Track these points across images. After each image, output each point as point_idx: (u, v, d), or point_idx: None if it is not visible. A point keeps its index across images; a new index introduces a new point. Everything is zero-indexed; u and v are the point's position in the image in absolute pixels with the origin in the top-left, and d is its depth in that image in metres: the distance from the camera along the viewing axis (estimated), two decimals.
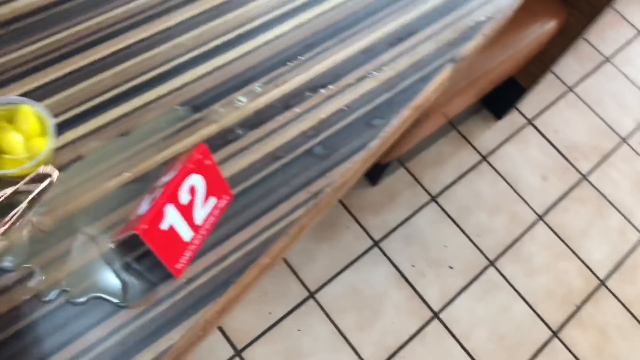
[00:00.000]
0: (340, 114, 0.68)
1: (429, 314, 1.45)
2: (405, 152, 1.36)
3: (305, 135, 0.65)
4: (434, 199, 1.59)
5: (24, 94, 0.61)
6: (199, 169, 0.54)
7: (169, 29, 0.69)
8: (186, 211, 0.54)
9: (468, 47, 0.75)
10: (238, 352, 1.30)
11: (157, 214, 0.51)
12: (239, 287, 0.57)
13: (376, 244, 1.50)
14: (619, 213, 1.68)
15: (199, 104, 0.65)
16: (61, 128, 0.60)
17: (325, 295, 1.42)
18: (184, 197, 0.53)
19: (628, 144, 1.81)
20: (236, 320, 1.32)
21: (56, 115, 0.60)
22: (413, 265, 1.50)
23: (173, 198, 0.52)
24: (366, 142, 0.66)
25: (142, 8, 0.70)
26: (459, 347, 1.43)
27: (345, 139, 0.66)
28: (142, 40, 0.67)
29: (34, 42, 0.65)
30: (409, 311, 1.45)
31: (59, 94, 0.62)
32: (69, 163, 0.59)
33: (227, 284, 0.56)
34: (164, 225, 0.52)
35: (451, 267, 1.52)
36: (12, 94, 0.61)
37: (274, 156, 0.64)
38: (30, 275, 0.53)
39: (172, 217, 0.52)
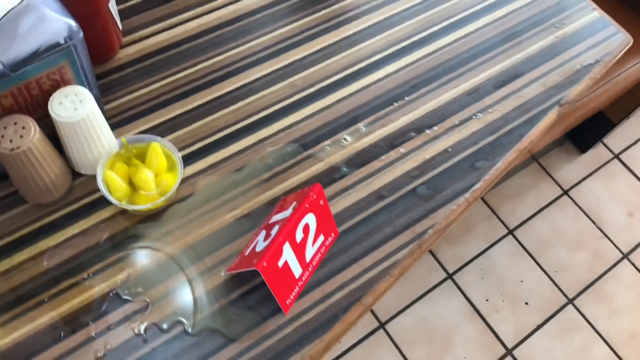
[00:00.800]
0: (444, 154, 0.68)
1: (502, 351, 1.41)
2: None
3: (409, 176, 0.66)
4: (511, 232, 1.55)
5: (149, 130, 0.65)
6: (313, 208, 0.56)
7: (282, 68, 0.72)
8: (299, 249, 0.56)
9: (574, 91, 0.73)
10: None
11: (275, 252, 0.52)
12: (343, 325, 0.58)
13: (450, 276, 1.48)
14: None
15: (308, 142, 0.67)
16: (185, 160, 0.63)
17: (395, 326, 1.41)
18: (298, 235, 0.55)
19: None
20: None
21: (180, 149, 0.64)
22: (487, 300, 1.47)
23: (290, 236, 0.54)
24: (471, 184, 0.66)
25: (256, 49, 0.73)
26: None
27: (449, 180, 0.66)
28: (258, 79, 0.70)
29: (155, 82, 0.69)
30: (481, 346, 1.41)
31: (180, 130, 0.66)
32: (186, 197, 0.62)
33: (331, 322, 0.57)
34: (280, 263, 0.53)
35: (527, 303, 1.48)
36: (138, 129, 0.65)
37: (378, 195, 0.65)
38: (147, 305, 0.56)
39: (287, 255, 0.54)
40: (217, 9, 0.75)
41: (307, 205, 0.55)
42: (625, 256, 1.55)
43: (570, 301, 1.48)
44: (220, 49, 0.72)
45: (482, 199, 1.58)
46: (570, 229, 1.58)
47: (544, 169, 1.65)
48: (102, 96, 0.66)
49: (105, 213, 0.60)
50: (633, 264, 1.54)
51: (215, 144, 0.65)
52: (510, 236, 1.55)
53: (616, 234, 1.58)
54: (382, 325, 1.41)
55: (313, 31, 0.75)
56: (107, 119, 0.64)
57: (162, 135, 0.64)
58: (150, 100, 0.67)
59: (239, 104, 0.68)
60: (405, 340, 1.39)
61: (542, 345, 1.42)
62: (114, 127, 0.64)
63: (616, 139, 1.71)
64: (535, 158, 1.66)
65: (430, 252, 1.50)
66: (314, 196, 0.56)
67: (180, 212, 0.61)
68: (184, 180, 0.62)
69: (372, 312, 1.43)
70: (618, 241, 1.57)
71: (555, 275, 1.51)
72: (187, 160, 0.64)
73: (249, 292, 0.58)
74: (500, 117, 0.71)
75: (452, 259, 1.50)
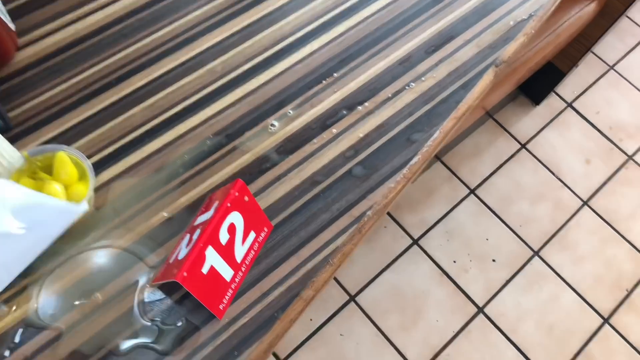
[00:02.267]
0: (379, 131, 0.64)
1: (474, 310, 1.42)
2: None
3: (344, 157, 0.63)
4: (472, 191, 1.54)
5: (59, 136, 0.60)
6: (237, 206, 0.52)
7: (198, 55, 0.67)
8: (226, 251, 0.52)
9: (509, 49, 0.70)
10: None
11: (196, 259, 0.49)
12: (284, 323, 0.55)
13: (415, 242, 1.47)
14: None
15: (232, 133, 0.62)
16: (95, 169, 0.58)
17: (366, 298, 1.40)
18: (223, 237, 0.51)
19: None
20: None
21: (89, 157, 0.59)
22: (454, 261, 1.46)
23: (212, 240, 0.50)
24: (408, 158, 0.63)
25: (168, 37, 0.68)
26: (506, 340, 1.40)
27: (385, 157, 0.63)
28: (173, 69, 0.65)
29: (60, 83, 0.63)
30: (452, 308, 1.41)
31: (92, 134, 0.61)
32: (103, 205, 0.57)
33: (271, 321, 0.54)
34: (204, 269, 0.50)
35: (494, 260, 1.48)
36: (46, 137, 0.60)
37: (312, 181, 0.61)
38: (59, 335, 0.52)
39: (212, 259, 0.50)
40: None
41: (228, 205, 0.51)
42: (585, 203, 1.56)
43: (536, 253, 1.49)
44: (128, 41, 0.67)
45: (441, 161, 1.56)
46: (531, 182, 1.58)
47: (500, 124, 1.64)
48: (2, 104, 0.60)
49: None
50: (593, 210, 1.56)
51: (131, 144, 0.61)
52: (472, 196, 1.54)
53: (575, 182, 1.59)
54: (352, 298, 1.40)
55: (229, 11, 0.70)
56: (11, 129, 0.59)
57: (74, 140, 0.59)
58: (56, 104, 0.62)
59: (154, 99, 0.63)
60: (377, 310, 1.39)
61: (512, 300, 1.44)
62: (19, 137, 0.59)
63: (568, 87, 1.70)
64: (490, 115, 1.64)
65: (394, 219, 1.49)
66: (236, 193, 0.52)
67: (98, 222, 0.56)
68: (100, 187, 0.58)
69: (342, 286, 1.41)
70: (577, 189, 1.58)
71: (520, 230, 1.52)
72: (103, 165, 0.59)
73: (180, 300, 0.54)
74: (434, 85, 0.68)
75: (417, 224, 1.49)
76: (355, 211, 0.60)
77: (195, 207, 0.58)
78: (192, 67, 0.66)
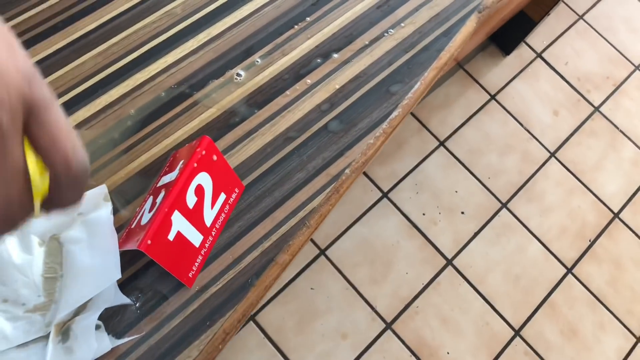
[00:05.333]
0: (356, 82, 0.60)
1: (442, 262, 1.43)
2: None
3: (319, 110, 0.58)
4: (442, 143, 1.52)
5: None
6: (205, 166, 0.47)
7: None
8: (194, 215, 0.47)
9: None
10: (252, 317, 1.27)
11: (161, 225, 0.44)
12: (259, 290, 0.52)
13: (385, 195, 1.45)
14: (632, 144, 1.62)
15: (195, 83, 0.57)
16: None
17: (336, 251, 1.38)
18: (190, 200, 0.46)
19: None
20: None
21: None
22: (424, 214, 1.46)
23: (178, 204, 0.45)
24: (387, 112, 0.59)
25: None
26: (474, 291, 1.41)
27: (363, 111, 0.59)
28: (127, 11, 0.58)
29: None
30: (421, 260, 1.42)
31: None
32: None
33: (245, 289, 0.51)
34: (170, 236, 0.45)
35: (463, 213, 1.48)
36: None
37: (286, 137, 0.56)
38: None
39: (179, 225, 0.46)
40: None
41: (195, 165, 0.46)
42: (552, 154, 1.57)
43: (504, 205, 1.50)
44: None
45: (411, 112, 1.53)
46: (500, 133, 1.57)
47: (470, 75, 1.60)
48: None
49: None
50: (560, 162, 1.56)
51: (82, 96, 0.54)
52: (441, 147, 1.52)
53: (543, 134, 1.58)
54: (322, 252, 1.38)
55: None
56: None
57: None
58: None
59: (106, 44, 0.56)
60: (346, 263, 1.38)
61: (480, 251, 1.45)
62: None
63: (538, 37, 1.67)
64: (460, 65, 1.61)
65: (364, 173, 1.46)
66: (203, 152, 0.47)
67: None
68: None
69: (312, 240, 1.39)
70: (545, 140, 1.58)
71: (488, 182, 1.52)
72: None
73: (144, 268, 0.50)
74: (414, 31, 0.63)
75: (386, 177, 1.47)
76: (333, 169, 0.56)
77: (157, 166, 0.53)
78: (148, 8, 0.59)
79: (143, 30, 0.58)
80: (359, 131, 0.58)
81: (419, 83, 0.60)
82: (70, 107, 0.53)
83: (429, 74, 0.61)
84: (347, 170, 0.56)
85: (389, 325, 1.34)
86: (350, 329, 1.31)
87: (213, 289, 0.50)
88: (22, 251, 0.47)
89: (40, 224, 0.48)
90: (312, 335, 1.30)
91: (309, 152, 0.56)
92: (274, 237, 0.53)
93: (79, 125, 0.53)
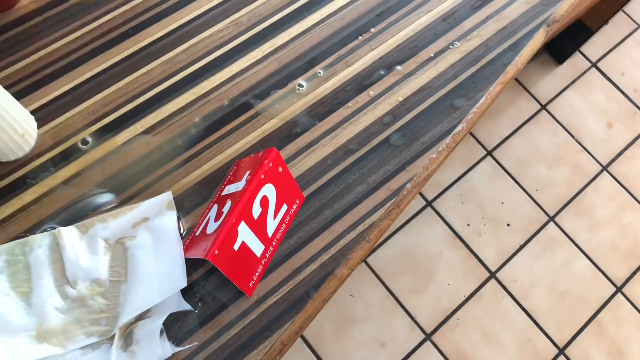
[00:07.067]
0: (419, 94, 0.59)
1: (486, 274, 1.40)
2: None
3: (381, 123, 0.57)
4: (489, 153, 1.49)
5: (67, 93, 0.54)
6: (271, 177, 0.47)
7: (221, 4, 0.60)
8: (258, 225, 0.47)
9: (564, 6, 0.64)
10: None
11: (228, 235, 0.44)
12: (317, 303, 0.51)
13: (429, 203, 1.43)
14: None
15: (259, 93, 0.57)
16: (110, 130, 0.53)
17: (377, 259, 1.37)
18: (255, 211, 0.47)
19: None
20: None
21: (103, 115, 0.53)
22: (468, 224, 1.43)
23: (245, 215, 0.45)
24: (451, 126, 0.58)
25: None
26: (517, 306, 1.38)
27: (426, 125, 0.58)
28: (195, 19, 0.59)
29: (70, 32, 0.57)
30: (464, 272, 1.39)
31: (107, 90, 0.55)
32: (125, 167, 0.52)
33: (303, 301, 0.51)
34: (235, 246, 0.45)
35: (508, 225, 1.45)
36: (53, 94, 0.54)
37: (346, 149, 0.56)
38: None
39: (244, 235, 0.46)
40: None
41: (262, 176, 0.46)
42: (605, 168, 1.52)
43: (552, 219, 1.46)
44: None
45: None
46: (549, 144, 1.53)
47: (521, 84, 1.57)
48: (7, 55, 0.54)
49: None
50: (612, 175, 1.51)
51: (149, 102, 0.55)
52: (489, 157, 1.49)
53: (595, 147, 1.53)
54: (363, 259, 1.37)
55: None
56: (17, 82, 0.53)
57: (86, 97, 0.54)
58: (67, 55, 0.56)
59: (173, 52, 0.57)
60: (387, 272, 1.36)
61: (525, 265, 1.41)
62: (28, 91, 0.53)
63: (594, 46, 1.62)
64: None
65: None
66: (270, 164, 0.47)
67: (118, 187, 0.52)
68: (118, 149, 0.53)
69: None
70: (597, 153, 1.53)
71: (536, 194, 1.48)
72: (119, 124, 0.54)
73: (206, 275, 0.50)
74: (480, 45, 0.61)
75: (431, 186, 1.45)
76: (393, 183, 0.55)
77: (220, 174, 0.53)
78: (215, 17, 0.59)
79: (210, 39, 0.58)
80: (421, 145, 0.57)
81: (484, 97, 0.59)
82: (138, 113, 0.54)
83: (495, 89, 0.59)
84: (408, 185, 0.55)
85: (428, 336, 1.32)
86: (388, 337, 1.30)
87: (272, 300, 0.50)
88: (90, 254, 0.48)
89: (107, 228, 0.49)
90: (350, 342, 1.29)
91: (370, 165, 0.56)
92: (333, 250, 0.52)
93: (146, 132, 0.54)
